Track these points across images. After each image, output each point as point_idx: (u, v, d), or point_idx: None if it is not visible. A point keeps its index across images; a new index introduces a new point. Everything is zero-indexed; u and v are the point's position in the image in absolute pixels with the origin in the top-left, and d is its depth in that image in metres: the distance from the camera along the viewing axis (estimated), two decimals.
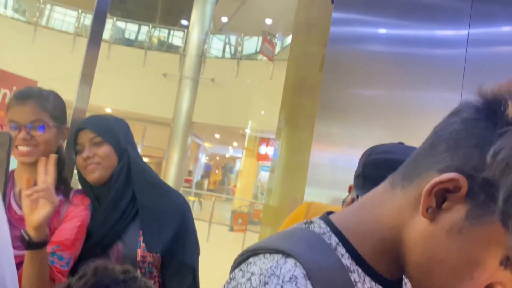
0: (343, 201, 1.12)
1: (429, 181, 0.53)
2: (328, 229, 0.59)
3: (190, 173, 23.53)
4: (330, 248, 0.56)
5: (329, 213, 0.64)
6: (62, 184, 1.33)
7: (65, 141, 1.46)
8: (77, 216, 1.29)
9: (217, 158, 29.26)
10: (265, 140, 15.31)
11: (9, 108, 1.30)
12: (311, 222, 0.61)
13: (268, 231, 2.22)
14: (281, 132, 2.06)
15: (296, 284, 0.50)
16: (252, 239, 12.18)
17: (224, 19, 17.05)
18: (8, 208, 1.29)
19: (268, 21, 14.97)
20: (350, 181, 1.73)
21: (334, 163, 1.78)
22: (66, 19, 15.17)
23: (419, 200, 0.54)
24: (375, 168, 1.01)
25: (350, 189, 1.16)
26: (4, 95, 3.79)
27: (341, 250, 0.57)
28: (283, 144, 2.07)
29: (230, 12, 16.47)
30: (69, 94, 1.52)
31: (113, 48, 14.16)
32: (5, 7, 14.72)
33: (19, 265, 1.19)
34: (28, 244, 1.13)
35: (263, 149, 15.53)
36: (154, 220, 1.35)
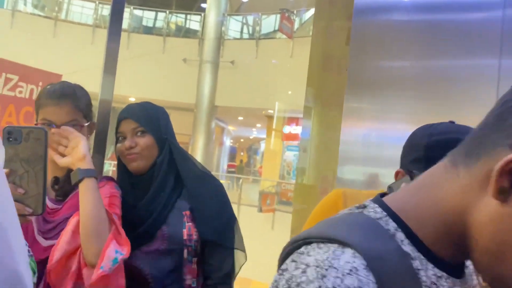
0: (389, 187, 1.06)
1: (499, 158, 0.47)
2: (385, 213, 0.55)
3: (234, 160, 24.61)
4: (388, 235, 0.52)
5: (382, 195, 0.60)
6: None
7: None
8: (103, 193, 1.30)
9: (242, 140, 29.35)
10: (293, 120, 15.21)
11: (43, 107, 1.28)
12: (365, 206, 0.57)
13: (300, 211, 2.19)
14: (309, 111, 2.00)
15: (357, 277, 0.46)
16: (281, 218, 12.25)
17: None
18: None
19: None
20: (384, 156, 1.68)
21: (366, 139, 1.73)
22: (84, 11, 15.28)
23: (486, 179, 0.49)
24: (440, 149, 0.95)
25: (397, 174, 1.10)
26: (31, 90, 3.87)
27: (400, 236, 0.53)
28: (312, 122, 2.02)
29: None
30: (92, 86, 1.52)
31: (132, 37, 14.22)
32: (25, 3, 14.93)
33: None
34: (80, 173, 1.15)
35: (287, 129, 15.46)
36: (203, 208, 1.40)
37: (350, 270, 0.47)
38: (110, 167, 10.86)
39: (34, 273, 0.84)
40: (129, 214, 1.33)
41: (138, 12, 16.09)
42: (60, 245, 1.14)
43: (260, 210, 12.04)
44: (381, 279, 0.47)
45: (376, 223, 0.53)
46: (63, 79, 3.47)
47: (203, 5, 16.00)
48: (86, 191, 1.15)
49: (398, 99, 1.74)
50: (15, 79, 3.57)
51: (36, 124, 1.28)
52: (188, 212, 1.37)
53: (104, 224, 1.15)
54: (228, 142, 23.90)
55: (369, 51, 1.77)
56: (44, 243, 1.24)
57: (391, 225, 0.53)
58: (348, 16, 1.81)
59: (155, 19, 16.37)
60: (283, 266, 0.53)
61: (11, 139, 0.90)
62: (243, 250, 1.47)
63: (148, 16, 16.52)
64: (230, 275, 1.42)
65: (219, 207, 1.43)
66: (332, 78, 1.92)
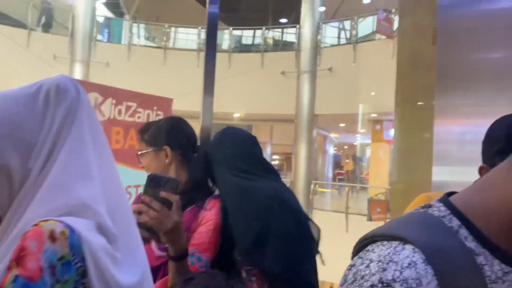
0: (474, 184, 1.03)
1: None
2: (449, 211, 0.56)
3: (342, 167, 24.93)
4: (451, 231, 0.54)
5: (450, 194, 0.60)
6: (198, 194, 1.49)
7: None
8: (210, 219, 1.42)
9: (345, 147, 28.74)
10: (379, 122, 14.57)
11: None
12: (430, 206, 0.59)
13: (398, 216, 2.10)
14: (400, 112, 1.96)
15: (415, 270, 0.49)
16: None
17: (335, 5, 16.70)
18: None
19: None
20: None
21: (461, 137, 1.65)
22: (189, 37, 16.52)
23: None
24: None
25: (481, 170, 1.07)
26: (148, 115, 4.30)
27: (463, 232, 0.54)
28: (402, 123, 1.97)
29: None
30: (199, 106, 1.70)
31: (233, 57, 14.97)
32: (138, 37, 16.65)
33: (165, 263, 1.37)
34: (169, 257, 1.30)
35: (392, 133, 14.80)
36: (237, 225, 1.37)
37: (409, 264, 0.50)
38: None
39: None
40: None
41: (237, 32, 16.90)
42: None
43: (370, 219, 11.63)
44: (440, 272, 0.49)
45: (439, 221, 0.55)
46: (174, 102, 3.84)
47: (281, 20, 16.32)
48: (173, 270, 1.27)
49: (495, 92, 1.63)
50: (134, 106, 4.01)
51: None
52: None
53: None
54: (331, 150, 23.64)
55: (457, 45, 1.69)
56: (157, 252, 1.43)
57: (455, 223, 0.55)
58: (434, 13, 1.75)
59: (254, 36, 17.02)
60: (352, 263, 0.57)
61: (152, 184, 1.16)
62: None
63: (246, 35, 17.26)
64: None
65: (248, 221, 1.38)
66: (422, 77, 1.85)
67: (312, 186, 13.47)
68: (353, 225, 11.23)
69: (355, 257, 0.58)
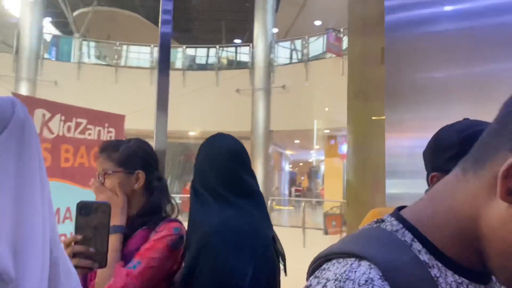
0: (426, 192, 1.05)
1: (502, 162, 0.49)
2: (401, 225, 0.56)
3: (300, 184, 25.54)
4: (404, 245, 0.54)
5: (401, 208, 0.61)
6: (153, 218, 1.44)
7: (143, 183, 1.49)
8: (156, 237, 1.37)
9: (301, 164, 29.15)
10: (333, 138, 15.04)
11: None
12: (382, 221, 0.59)
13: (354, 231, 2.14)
14: (352, 128, 2.02)
15: (372, 287, 0.49)
16: None
17: (287, 25, 17.15)
18: None
19: (331, 18, 14.76)
20: None
21: (411, 150, 1.72)
22: (141, 56, 16.31)
23: (495, 184, 0.50)
24: (473, 142, 0.94)
25: (432, 178, 1.08)
26: (99, 132, 4.16)
27: (417, 246, 0.54)
28: (355, 138, 2.03)
29: (291, 18, 16.54)
30: (153, 124, 1.64)
31: (187, 75, 14.92)
32: (89, 56, 16.24)
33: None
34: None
35: (345, 148, 15.21)
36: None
37: (366, 281, 0.49)
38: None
39: None
40: None
41: (190, 51, 16.88)
42: None
43: (326, 233, 11.79)
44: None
45: (393, 236, 0.55)
46: (126, 119, 3.75)
47: (234, 39, 16.57)
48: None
49: (441, 107, 1.72)
50: (84, 123, 3.86)
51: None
52: None
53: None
54: (287, 167, 23.91)
55: (404, 64, 1.77)
56: None
57: (408, 236, 0.55)
58: (381, 33, 1.84)
59: (207, 55, 17.08)
60: (308, 283, 0.56)
61: (82, 212, 1.14)
62: None
63: (200, 54, 17.29)
64: None
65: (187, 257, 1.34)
66: (372, 95, 1.92)
67: (269, 202, 13.53)
68: (310, 240, 11.35)
69: (311, 277, 0.56)
